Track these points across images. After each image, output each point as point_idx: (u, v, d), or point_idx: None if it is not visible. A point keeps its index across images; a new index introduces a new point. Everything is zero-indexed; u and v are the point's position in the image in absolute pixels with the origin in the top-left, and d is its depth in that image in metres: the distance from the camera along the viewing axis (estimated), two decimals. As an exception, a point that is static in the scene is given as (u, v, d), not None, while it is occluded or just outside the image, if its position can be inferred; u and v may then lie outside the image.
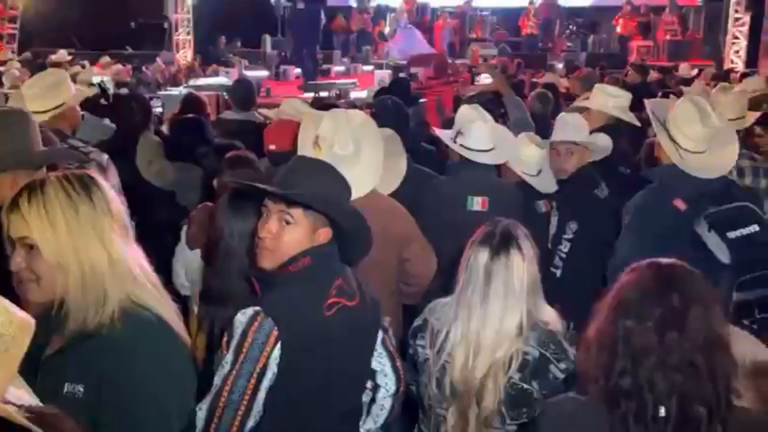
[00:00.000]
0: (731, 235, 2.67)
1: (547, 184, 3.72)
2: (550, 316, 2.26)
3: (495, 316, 2.16)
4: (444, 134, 3.66)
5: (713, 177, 2.82)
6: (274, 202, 1.94)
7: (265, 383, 1.86)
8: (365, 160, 2.78)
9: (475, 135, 3.41)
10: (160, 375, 1.65)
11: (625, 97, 4.42)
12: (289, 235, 1.93)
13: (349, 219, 2.00)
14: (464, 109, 3.64)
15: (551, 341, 2.19)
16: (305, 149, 2.83)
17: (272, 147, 3.62)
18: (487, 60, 16.27)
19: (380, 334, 2.17)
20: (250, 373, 1.84)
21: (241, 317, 1.87)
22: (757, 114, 4.25)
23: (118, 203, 1.72)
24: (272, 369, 1.86)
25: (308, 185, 1.95)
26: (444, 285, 2.63)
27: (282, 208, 1.93)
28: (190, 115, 4.77)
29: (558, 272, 3.43)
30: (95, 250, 1.62)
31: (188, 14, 16.84)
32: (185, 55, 16.42)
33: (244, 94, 5.39)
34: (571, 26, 18.42)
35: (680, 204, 2.78)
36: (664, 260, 1.67)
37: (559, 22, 18.17)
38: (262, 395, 1.87)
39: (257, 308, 1.87)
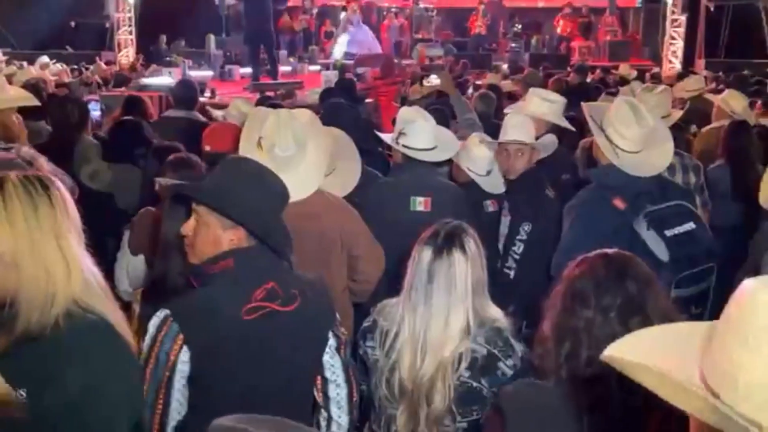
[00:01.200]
0: (669, 233, 2.73)
1: (495, 184, 3.76)
2: (496, 314, 2.28)
3: (439, 316, 2.17)
4: (386, 136, 3.67)
5: (650, 175, 2.89)
6: (196, 201, 1.99)
7: (177, 386, 1.91)
8: (309, 160, 2.76)
9: (417, 135, 3.43)
10: (107, 378, 1.63)
11: (559, 103, 4.30)
12: (200, 232, 1.97)
13: (256, 222, 1.96)
14: (405, 110, 3.66)
15: (498, 338, 2.21)
16: (247, 150, 2.80)
17: (207, 148, 3.58)
18: (433, 60, 16.41)
19: (332, 342, 2.12)
20: (159, 379, 1.89)
21: (154, 320, 1.92)
22: (680, 113, 4.35)
23: (74, 206, 1.70)
24: (182, 372, 1.90)
25: (215, 184, 1.97)
26: (389, 285, 2.64)
27: (194, 207, 1.99)
28: (128, 117, 4.70)
29: (512, 273, 3.45)
30: (51, 251, 1.60)
31: (130, 13, 16.48)
32: (127, 54, 16.07)
33: (186, 93, 5.33)
34: (516, 26, 18.68)
35: (619, 203, 2.83)
36: (610, 250, 1.72)
37: (503, 22, 18.42)
38: (177, 396, 1.91)
39: (167, 311, 1.90)
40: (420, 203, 3.44)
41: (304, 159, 2.75)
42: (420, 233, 2.27)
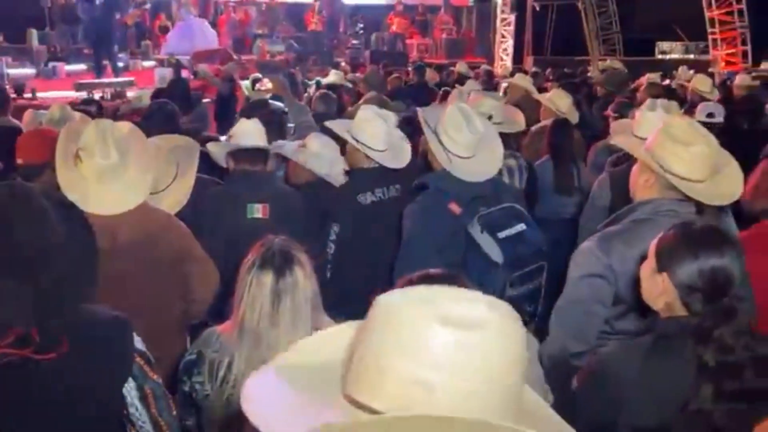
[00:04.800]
0: (501, 235, 2.81)
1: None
2: (330, 326, 2.23)
3: (285, 339, 2.09)
4: (217, 144, 3.55)
5: (482, 180, 2.97)
6: None
7: None
8: (132, 173, 2.59)
9: (246, 134, 3.35)
10: None
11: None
12: None
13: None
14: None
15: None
16: (64, 163, 2.58)
17: (20, 161, 3.25)
18: (274, 56, 16.21)
19: (132, 388, 1.85)
20: None
21: None
22: (521, 117, 4.56)
23: None
24: None
25: None
26: (224, 299, 2.51)
27: None
28: None
29: (328, 274, 3.42)
30: None
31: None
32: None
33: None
34: (359, 23, 18.85)
35: (455, 208, 2.88)
36: (433, 270, 1.70)
37: (344, 19, 18.53)
38: None
39: None
40: (257, 210, 3.34)
41: (127, 169, 2.58)
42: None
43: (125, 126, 2.72)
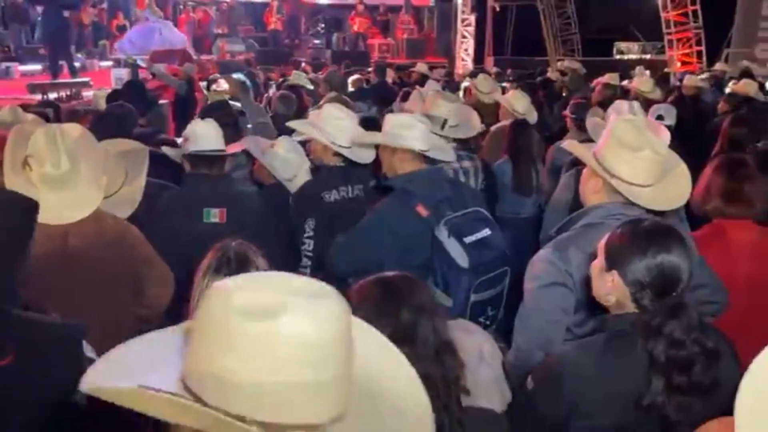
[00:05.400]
0: (467, 239, 2.82)
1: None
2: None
3: None
4: (173, 150, 3.50)
5: (445, 184, 2.99)
6: None
7: None
8: (84, 179, 2.53)
9: (205, 140, 3.31)
10: None
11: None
12: None
13: None
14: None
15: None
16: (12, 168, 2.51)
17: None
18: (234, 56, 16.08)
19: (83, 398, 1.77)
20: None
21: None
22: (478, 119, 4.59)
23: None
24: None
25: None
26: (180, 304, 2.48)
27: None
28: None
29: (307, 271, 3.41)
30: None
31: None
32: None
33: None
34: (320, 24, 18.79)
35: (422, 210, 2.88)
36: (390, 274, 1.70)
37: (305, 18, 18.46)
38: None
39: None
40: (215, 215, 3.30)
41: (79, 176, 2.52)
42: None
43: (75, 130, 2.65)
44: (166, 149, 3.54)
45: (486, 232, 2.90)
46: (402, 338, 1.54)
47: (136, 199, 2.99)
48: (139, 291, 2.72)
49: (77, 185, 2.51)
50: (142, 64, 10.64)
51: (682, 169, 2.46)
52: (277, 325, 0.88)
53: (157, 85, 9.10)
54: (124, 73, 9.92)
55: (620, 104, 4.23)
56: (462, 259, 2.78)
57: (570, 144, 2.72)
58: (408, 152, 3.01)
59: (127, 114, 3.83)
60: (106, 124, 3.68)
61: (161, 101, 6.74)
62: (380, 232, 2.91)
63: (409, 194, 2.93)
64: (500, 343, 2.50)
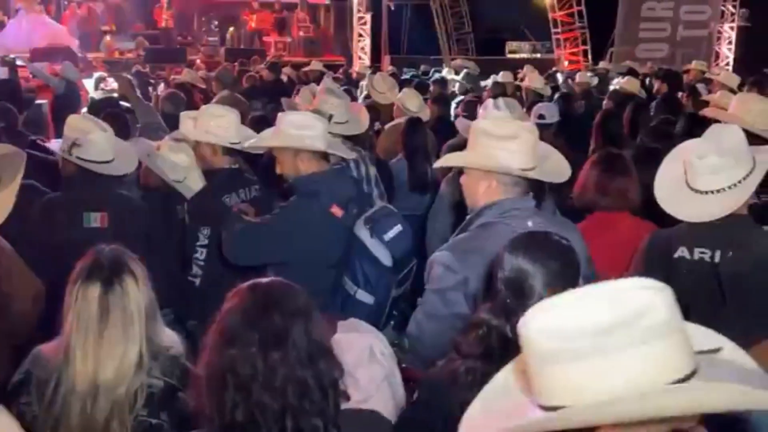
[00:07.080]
0: (386, 237, 2.81)
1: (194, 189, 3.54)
2: (171, 339, 2.13)
3: (116, 352, 1.97)
4: (55, 146, 3.30)
5: (351, 182, 2.99)
6: None
7: None
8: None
9: (94, 146, 3.15)
10: None
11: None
12: None
13: None
14: (76, 120, 3.31)
15: (175, 368, 2.07)
16: None
17: None
18: (123, 54, 15.49)
19: None
20: None
21: None
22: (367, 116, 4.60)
23: None
24: None
25: None
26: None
27: None
28: None
29: (197, 281, 3.30)
30: None
31: None
32: None
33: None
34: (213, 21, 18.37)
35: (337, 210, 2.85)
36: (264, 280, 1.66)
37: (197, 15, 18.01)
38: None
39: None
40: (96, 219, 3.16)
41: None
42: None
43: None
44: (49, 143, 3.35)
45: (399, 227, 2.90)
46: (273, 343, 1.51)
47: (8, 206, 2.80)
48: (3, 306, 2.54)
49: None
50: (21, 63, 10.08)
51: (558, 155, 2.53)
52: None
53: (39, 84, 8.63)
54: (3, 72, 9.34)
55: (487, 102, 4.38)
56: (386, 258, 2.79)
57: (446, 159, 2.78)
58: (310, 152, 2.96)
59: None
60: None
61: (41, 101, 6.37)
62: (289, 231, 2.86)
63: (320, 195, 2.90)
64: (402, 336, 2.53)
